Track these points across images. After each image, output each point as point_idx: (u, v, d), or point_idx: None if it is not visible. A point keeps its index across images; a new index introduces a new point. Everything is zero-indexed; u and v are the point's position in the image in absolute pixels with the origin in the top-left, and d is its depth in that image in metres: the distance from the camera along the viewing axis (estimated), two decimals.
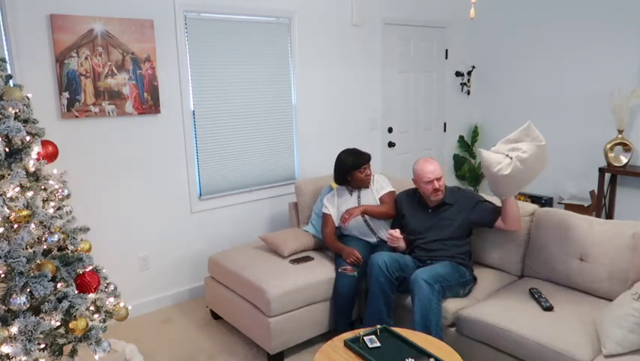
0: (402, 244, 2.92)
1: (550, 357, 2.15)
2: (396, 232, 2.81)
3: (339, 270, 2.89)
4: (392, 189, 3.16)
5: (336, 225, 3.17)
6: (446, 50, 5.11)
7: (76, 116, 3.01)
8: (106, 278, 2.26)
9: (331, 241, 3.08)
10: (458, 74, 5.26)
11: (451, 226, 2.82)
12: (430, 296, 2.48)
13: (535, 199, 4.79)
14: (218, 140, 3.68)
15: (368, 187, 3.17)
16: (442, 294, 2.57)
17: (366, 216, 3.09)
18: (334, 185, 3.33)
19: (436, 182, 2.78)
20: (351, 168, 3.09)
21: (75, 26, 2.93)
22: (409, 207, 2.99)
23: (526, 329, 2.27)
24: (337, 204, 3.19)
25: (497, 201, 2.87)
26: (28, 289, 1.78)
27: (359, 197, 3.15)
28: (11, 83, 2.14)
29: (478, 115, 5.46)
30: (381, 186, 3.17)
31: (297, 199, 3.59)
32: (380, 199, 3.12)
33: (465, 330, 2.52)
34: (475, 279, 2.83)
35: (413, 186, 2.99)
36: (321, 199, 3.37)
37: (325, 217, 3.19)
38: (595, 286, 2.56)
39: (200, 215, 3.66)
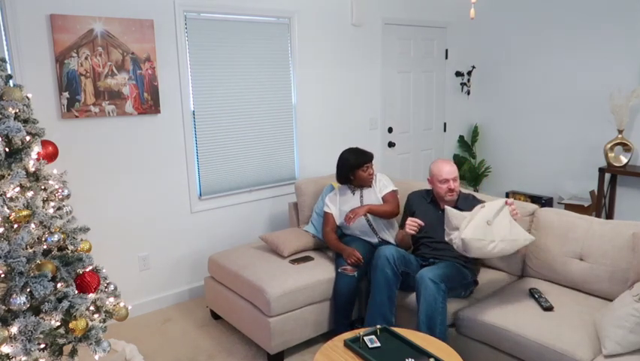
0: (410, 233, 2.84)
1: (550, 357, 2.15)
2: (418, 221, 2.77)
3: (339, 270, 2.89)
4: (395, 188, 3.16)
5: (338, 224, 3.17)
6: (446, 50, 5.11)
7: (77, 116, 3.01)
8: (106, 278, 2.26)
9: (332, 241, 3.07)
10: (458, 74, 5.26)
11: None
12: (436, 295, 2.47)
13: (535, 199, 4.78)
14: (218, 140, 3.68)
15: (370, 186, 3.17)
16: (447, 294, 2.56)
17: (369, 216, 3.08)
18: (336, 184, 3.33)
19: (451, 182, 2.80)
20: (354, 167, 3.09)
21: (75, 26, 2.93)
22: (420, 205, 2.98)
23: (526, 329, 2.27)
24: (339, 204, 3.18)
25: None
26: (28, 289, 1.78)
27: (361, 196, 3.15)
28: (11, 83, 2.14)
29: (478, 115, 5.46)
30: (384, 185, 3.16)
31: (297, 199, 3.59)
32: (383, 198, 3.11)
33: (465, 330, 2.52)
34: (476, 282, 2.82)
35: (414, 186, 2.98)
36: (323, 198, 3.36)
37: (326, 216, 3.18)
38: (595, 287, 2.55)
39: (200, 215, 3.66)
